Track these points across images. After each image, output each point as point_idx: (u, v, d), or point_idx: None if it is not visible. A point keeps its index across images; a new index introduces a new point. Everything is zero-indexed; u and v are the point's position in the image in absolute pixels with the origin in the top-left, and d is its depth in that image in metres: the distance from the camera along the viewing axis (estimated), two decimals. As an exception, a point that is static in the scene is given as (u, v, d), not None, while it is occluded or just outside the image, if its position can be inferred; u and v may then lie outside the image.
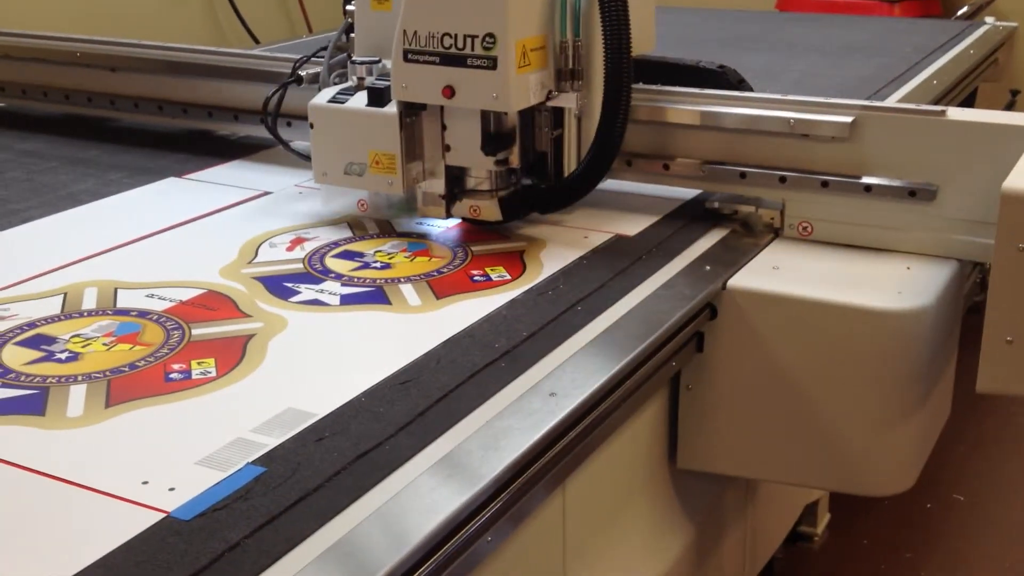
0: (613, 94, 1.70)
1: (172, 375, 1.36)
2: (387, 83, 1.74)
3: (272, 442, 1.20)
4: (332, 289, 1.61)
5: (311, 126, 1.81)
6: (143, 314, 1.52)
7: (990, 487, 2.85)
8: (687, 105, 1.83)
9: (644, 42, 1.83)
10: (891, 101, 2.31)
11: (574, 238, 1.79)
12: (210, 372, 1.36)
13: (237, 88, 2.25)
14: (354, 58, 1.82)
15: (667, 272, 1.65)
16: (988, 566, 2.59)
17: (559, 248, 1.75)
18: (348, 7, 1.90)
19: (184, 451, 1.19)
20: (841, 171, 1.73)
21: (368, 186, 1.80)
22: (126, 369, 1.37)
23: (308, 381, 1.36)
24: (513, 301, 1.56)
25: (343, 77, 1.89)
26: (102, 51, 2.40)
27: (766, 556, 2.19)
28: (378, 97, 1.75)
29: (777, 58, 2.82)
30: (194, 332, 1.47)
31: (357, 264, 1.70)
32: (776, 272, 1.67)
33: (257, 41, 4.37)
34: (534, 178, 1.82)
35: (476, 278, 1.64)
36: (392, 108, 1.74)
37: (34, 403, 1.30)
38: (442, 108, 1.74)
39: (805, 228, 1.77)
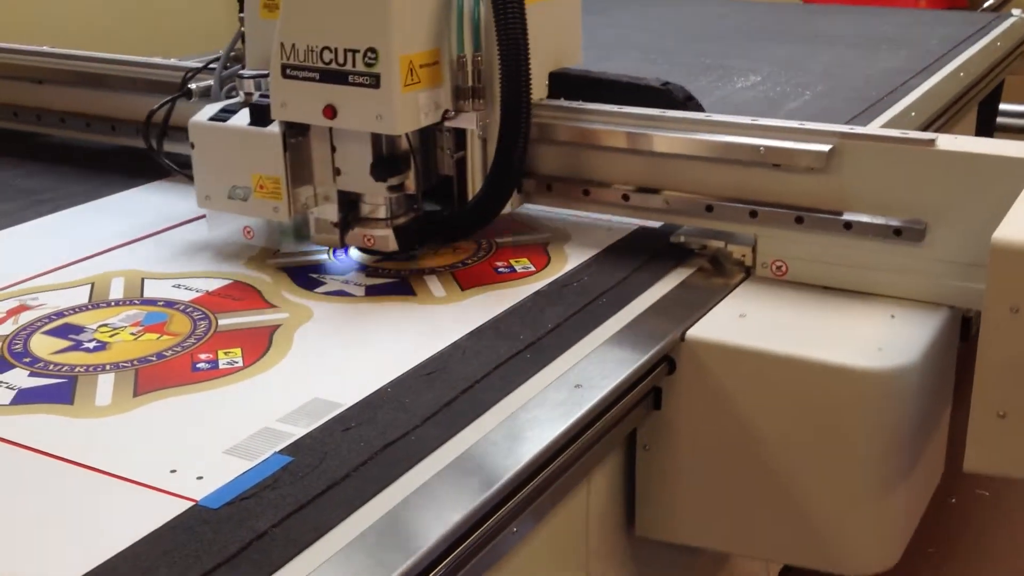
0: (512, 111, 1.56)
1: (199, 365, 1.36)
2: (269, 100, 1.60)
3: (299, 432, 1.21)
4: (357, 280, 1.62)
5: (191, 145, 1.66)
6: (170, 304, 1.53)
7: (1014, 483, 2.83)
8: (623, 126, 1.66)
9: (568, 55, 1.74)
10: (916, 95, 2.29)
11: (597, 231, 1.78)
12: (237, 362, 1.37)
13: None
14: (241, 71, 1.66)
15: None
16: (1012, 562, 2.58)
17: (584, 240, 1.74)
18: (240, 14, 1.73)
19: (212, 440, 1.19)
20: (818, 205, 1.55)
21: (253, 212, 1.64)
22: (154, 359, 1.38)
23: (334, 371, 1.36)
24: (538, 293, 1.56)
25: (235, 91, 1.72)
26: (28, 63, 2.24)
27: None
28: (261, 115, 1.60)
29: (802, 50, 2.80)
30: (220, 322, 1.48)
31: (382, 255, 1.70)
32: (742, 320, 1.48)
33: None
34: (438, 203, 1.69)
35: (501, 269, 1.64)
36: (275, 127, 1.59)
37: (62, 392, 1.30)
38: (331, 128, 1.59)
39: (779, 267, 1.58)
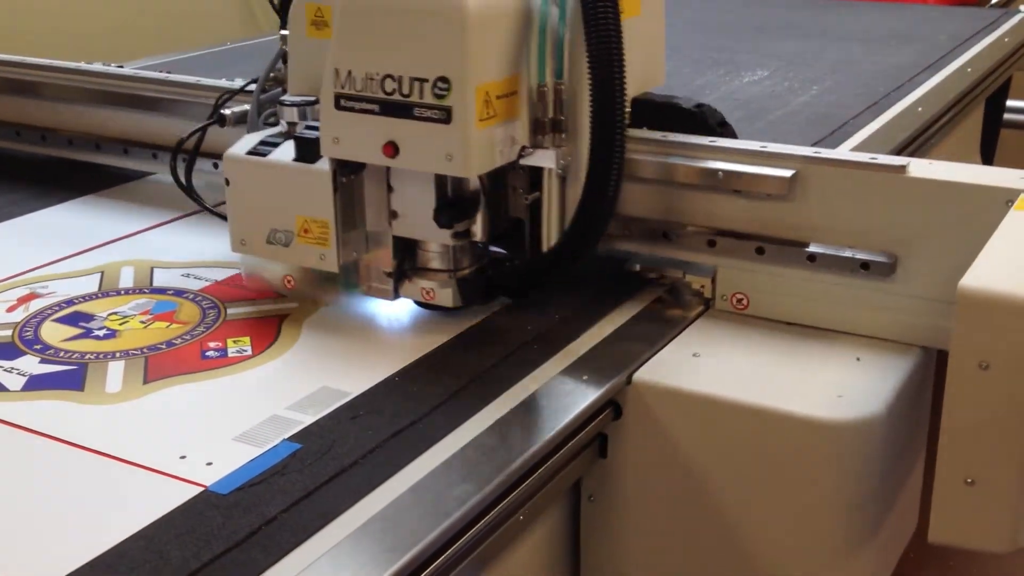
0: (605, 143, 1.33)
1: (208, 353, 1.37)
2: (318, 133, 1.39)
3: (307, 419, 1.22)
4: (365, 270, 1.62)
5: (226, 182, 1.46)
6: (179, 293, 1.54)
7: None
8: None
9: (653, 78, 1.53)
10: (923, 90, 2.29)
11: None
12: (246, 350, 1.38)
13: (98, 114, 1.98)
14: (284, 98, 1.47)
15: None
16: (1021, 559, 2.57)
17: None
18: (282, 32, 1.54)
19: (221, 427, 1.21)
20: (781, 235, 1.43)
21: (295, 260, 1.45)
22: (163, 346, 1.39)
23: (342, 360, 1.37)
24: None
25: (277, 117, 1.53)
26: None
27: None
28: (308, 149, 1.40)
29: (811, 45, 2.81)
30: (230, 311, 1.49)
31: (390, 246, 1.71)
32: (695, 361, 1.36)
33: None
34: (506, 250, 1.48)
35: (508, 261, 1.65)
36: (324, 164, 1.39)
37: (73, 379, 1.32)
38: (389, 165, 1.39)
39: (739, 300, 1.46)
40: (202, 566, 0.98)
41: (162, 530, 1.03)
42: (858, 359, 1.37)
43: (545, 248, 1.45)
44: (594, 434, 1.32)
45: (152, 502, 1.07)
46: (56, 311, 1.49)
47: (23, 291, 1.55)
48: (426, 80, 1.29)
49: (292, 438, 1.18)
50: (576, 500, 1.40)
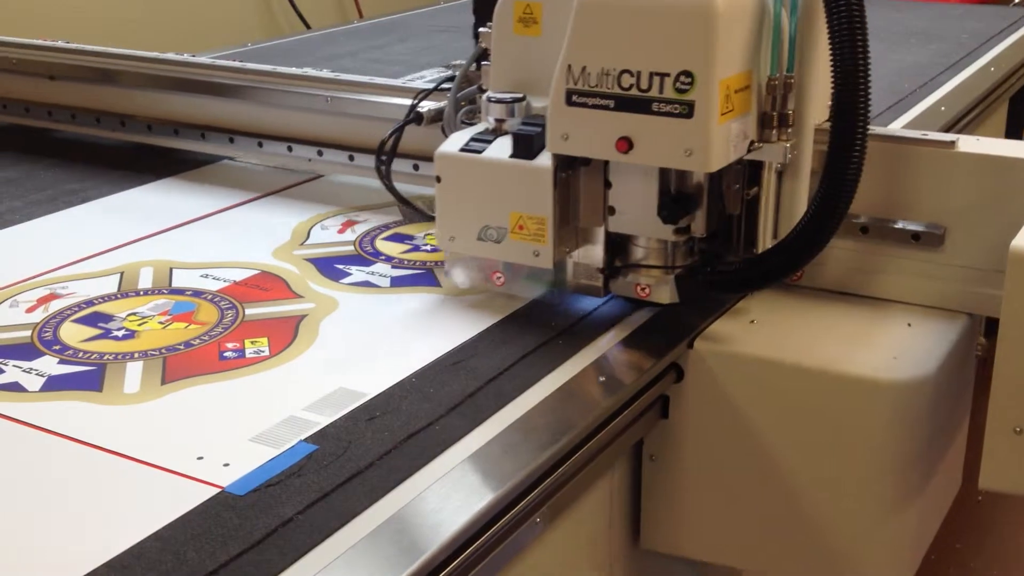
0: (846, 138, 1.30)
1: (226, 354, 1.38)
2: (536, 128, 1.40)
3: (324, 420, 1.21)
4: (383, 271, 1.62)
5: (437, 179, 1.46)
6: (198, 294, 1.55)
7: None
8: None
9: None
10: (946, 89, 2.28)
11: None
12: (263, 351, 1.38)
13: (175, 100, 2.09)
14: (490, 94, 1.47)
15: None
16: (1040, 560, 2.56)
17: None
18: (482, 29, 1.55)
19: (238, 428, 1.20)
20: None
21: (507, 256, 1.44)
22: (181, 347, 1.39)
23: (359, 361, 1.37)
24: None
25: (472, 115, 1.60)
26: (39, 58, 2.23)
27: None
28: (526, 146, 1.39)
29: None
30: (247, 312, 1.49)
31: (407, 247, 1.71)
32: (753, 327, 1.42)
33: (308, 26, 4.40)
34: (714, 248, 1.47)
35: (526, 262, 1.64)
36: (545, 160, 1.38)
37: (91, 379, 1.32)
38: (607, 162, 1.40)
39: None
40: (218, 567, 0.98)
41: (178, 531, 1.03)
42: (909, 325, 1.43)
43: (761, 245, 1.45)
44: (656, 396, 1.38)
45: (169, 503, 1.07)
46: (75, 312, 1.50)
47: (43, 291, 1.56)
48: (667, 75, 1.29)
49: (309, 439, 1.18)
50: (638, 459, 1.46)
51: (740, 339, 1.40)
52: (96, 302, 1.52)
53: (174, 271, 1.62)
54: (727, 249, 1.47)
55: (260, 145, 2.02)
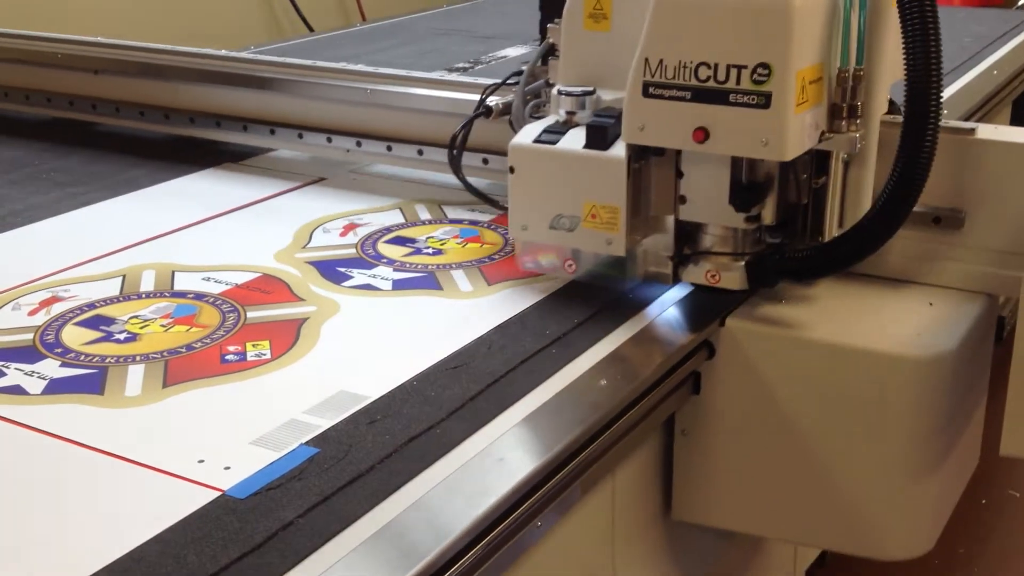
0: (918, 129, 1.33)
1: (228, 357, 1.38)
2: (610, 120, 1.45)
3: (325, 424, 1.21)
4: (384, 274, 1.62)
5: (511, 170, 1.50)
6: (199, 296, 1.55)
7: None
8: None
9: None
10: (949, 92, 2.28)
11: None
12: (264, 354, 1.38)
13: (218, 93, 2.17)
14: (561, 87, 1.51)
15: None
16: (1043, 564, 2.56)
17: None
18: (550, 25, 1.59)
19: (239, 431, 1.21)
20: None
21: (580, 244, 1.50)
22: (183, 350, 1.39)
23: (360, 364, 1.37)
24: (565, 287, 1.56)
25: (538, 109, 1.65)
26: (83, 52, 2.31)
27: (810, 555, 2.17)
28: (600, 137, 1.44)
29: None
30: (249, 315, 1.49)
31: (409, 250, 1.71)
32: (781, 307, 1.48)
33: (311, 29, 4.41)
34: (782, 236, 1.50)
35: (528, 265, 1.64)
36: (619, 151, 1.43)
37: (93, 382, 1.32)
38: (678, 152, 1.44)
39: None
40: (219, 570, 0.98)
41: (179, 534, 1.03)
42: (931, 304, 1.49)
43: (828, 234, 1.50)
44: (688, 372, 1.44)
45: (169, 506, 1.07)
46: (77, 314, 1.50)
47: (45, 294, 1.56)
48: (745, 67, 1.33)
49: (310, 442, 1.18)
50: (670, 434, 1.52)
51: (770, 318, 1.46)
52: (98, 305, 1.53)
53: (176, 274, 1.62)
54: (794, 238, 1.51)
55: (300, 136, 2.09)
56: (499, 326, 1.44)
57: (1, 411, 1.26)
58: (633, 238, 1.48)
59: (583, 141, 1.46)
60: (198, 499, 1.08)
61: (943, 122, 1.47)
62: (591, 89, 1.50)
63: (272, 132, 2.11)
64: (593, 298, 1.52)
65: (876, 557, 1.49)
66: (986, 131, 1.50)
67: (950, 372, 1.41)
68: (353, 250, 1.71)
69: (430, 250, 1.71)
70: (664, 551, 1.58)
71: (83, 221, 1.88)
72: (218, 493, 1.09)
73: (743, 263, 1.47)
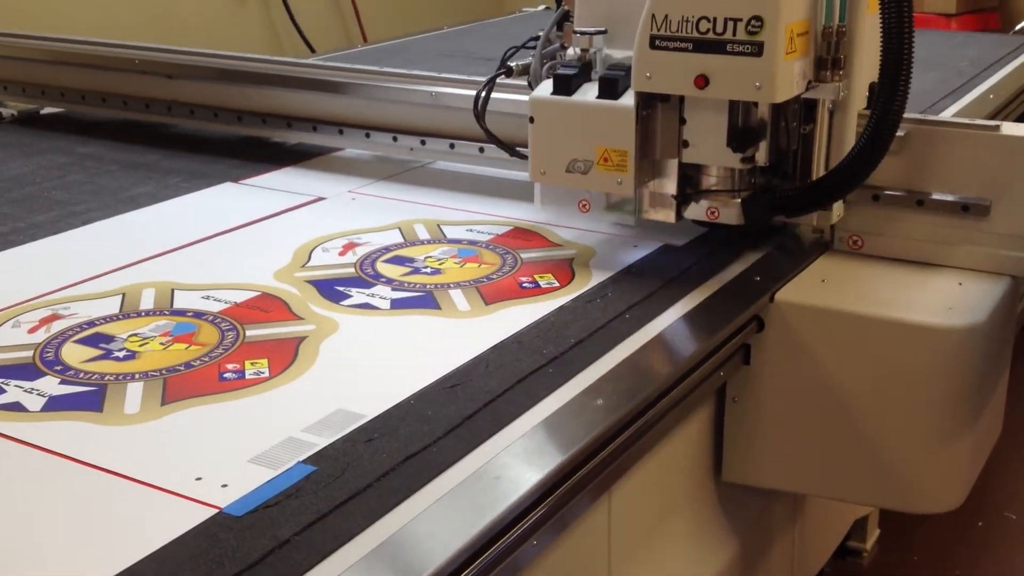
0: (892, 79, 1.52)
1: (226, 375, 1.38)
2: (620, 73, 1.63)
3: (322, 442, 1.22)
4: (383, 293, 1.63)
5: (531, 120, 1.69)
6: (199, 315, 1.55)
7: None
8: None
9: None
10: (946, 115, 2.29)
11: (623, 247, 1.79)
12: (263, 372, 1.39)
13: (289, 96, 2.30)
14: (577, 28, 1.69)
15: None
16: (1040, 586, 2.55)
17: (608, 256, 1.75)
18: None
19: (237, 449, 1.21)
20: (893, 185, 1.70)
21: (593, 185, 1.68)
22: (182, 368, 1.40)
23: (358, 383, 1.38)
24: (562, 308, 1.57)
25: (554, 70, 1.76)
26: (160, 59, 2.46)
27: (814, 571, 2.17)
28: (612, 88, 1.63)
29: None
30: (248, 333, 1.50)
31: (408, 269, 1.72)
32: (824, 285, 1.64)
33: (313, 50, 4.43)
34: (774, 179, 1.69)
35: (525, 284, 1.66)
36: (628, 100, 1.61)
37: (92, 400, 1.33)
38: (681, 100, 1.62)
39: (855, 242, 1.74)
40: (215, 588, 0.99)
41: (176, 552, 1.03)
42: (960, 284, 1.65)
43: (815, 175, 1.68)
44: (739, 344, 1.59)
45: (167, 523, 1.07)
46: (77, 332, 1.50)
47: (45, 312, 1.57)
48: (740, 20, 1.51)
49: (307, 461, 1.18)
50: (721, 402, 1.67)
51: (816, 294, 1.62)
52: (98, 323, 1.53)
53: (176, 292, 1.63)
54: (784, 179, 1.69)
55: (367, 136, 2.24)
56: (496, 346, 1.45)
57: (0, 428, 1.26)
58: (641, 179, 1.65)
59: (595, 93, 1.64)
60: (195, 516, 1.09)
61: (971, 120, 1.69)
62: (603, 28, 1.67)
63: (340, 132, 2.26)
64: (588, 319, 1.52)
65: (911, 511, 1.70)
66: (1010, 128, 1.66)
67: (979, 342, 1.56)
68: (352, 269, 1.72)
69: (428, 270, 1.72)
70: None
71: (84, 239, 1.89)
72: (215, 511, 1.10)
73: (739, 200, 1.65)
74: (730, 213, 1.65)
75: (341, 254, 1.79)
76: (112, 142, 2.48)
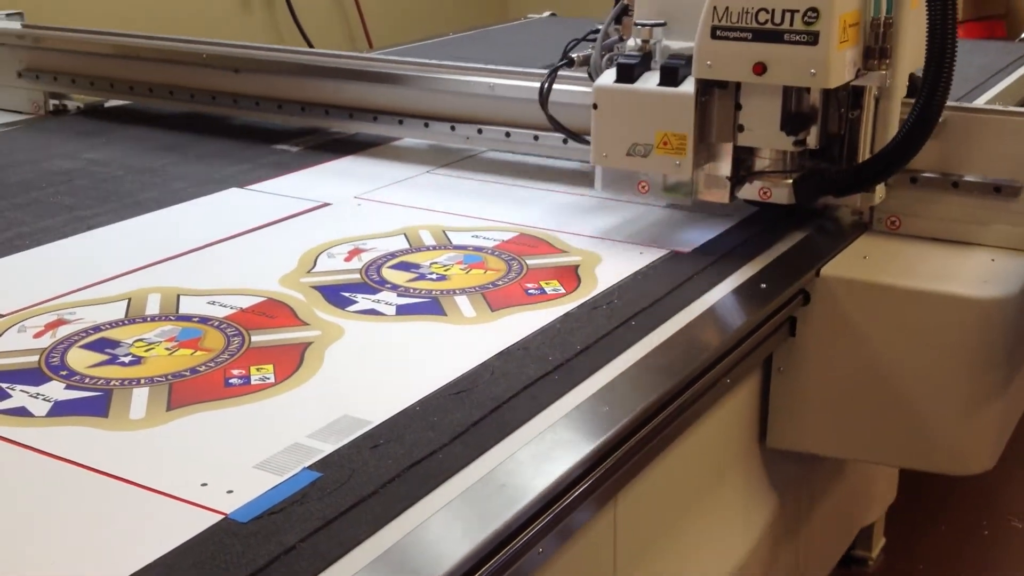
0: (937, 67, 1.62)
1: (232, 380, 1.38)
2: (680, 62, 1.74)
3: (328, 448, 1.22)
4: (388, 299, 1.63)
5: (594, 107, 1.79)
6: (204, 320, 1.55)
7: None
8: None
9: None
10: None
11: (629, 254, 1.79)
12: (268, 378, 1.39)
13: (351, 88, 2.40)
14: (637, 20, 1.80)
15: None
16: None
17: (614, 263, 1.75)
18: None
19: (242, 455, 1.21)
20: (929, 168, 1.80)
21: (652, 168, 1.78)
22: (187, 374, 1.40)
23: (364, 389, 1.37)
24: (567, 314, 1.57)
25: (612, 62, 1.86)
26: (226, 53, 2.56)
27: (818, 579, 2.17)
28: (672, 76, 1.74)
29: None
30: (254, 339, 1.50)
31: (413, 275, 1.72)
32: (865, 261, 1.75)
33: (318, 55, 4.42)
34: (822, 162, 1.80)
35: (531, 291, 1.65)
36: (688, 87, 1.72)
37: (97, 405, 1.33)
38: (737, 87, 1.73)
39: (893, 222, 1.84)
40: (220, 594, 0.99)
41: (181, 558, 1.03)
42: (992, 260, 1.75)
43: (861, 158, 1.77)
44: (786, 317, 1.70)
45: (172, 529, 1.07)
46: (83, 337, 1.50)
47: (51, 317, 1.57)
48: (797, 11, 1.63)
49: (312, 467, 1.18)
50: (767, 372, 1.77)
51: (858, 269, 1.73)
52: (103, 328, 1.53)
53: (181, 298, 1.63)
54: (832, 162, 1.80)
55: (426, 125, 2.33)
56: (502, 352, 1.45)
57: (6, 433, 1.26)
58: (698, 161, 1.75)
59: (656, 81, 1.75)
60: (201, 522, 1.08)
61: (1003, 107, 1.82)
62: (663, 21, 1.79)
63: (400, 122, 2.35)
64: (594, 326, 1.52)
65: (947, 472, 1.78)
66: None
67: (1011, 312, 1.66)
68: (358, 275, 1.72)
69: (434, 276, 1.72)
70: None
71: (90, 244, 1.89)
72: (221, 517, 1.09)
73: (791, 181, 1.75)
74: (781, 193, 1.76)
75: (347, 260, 1.79)
76: (124, 144, 2.50)
